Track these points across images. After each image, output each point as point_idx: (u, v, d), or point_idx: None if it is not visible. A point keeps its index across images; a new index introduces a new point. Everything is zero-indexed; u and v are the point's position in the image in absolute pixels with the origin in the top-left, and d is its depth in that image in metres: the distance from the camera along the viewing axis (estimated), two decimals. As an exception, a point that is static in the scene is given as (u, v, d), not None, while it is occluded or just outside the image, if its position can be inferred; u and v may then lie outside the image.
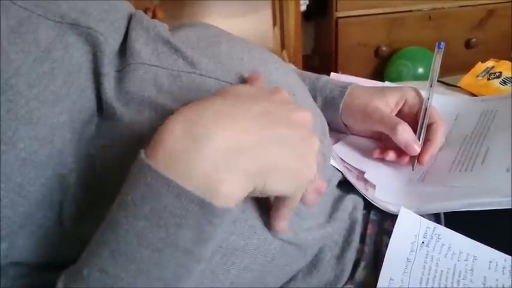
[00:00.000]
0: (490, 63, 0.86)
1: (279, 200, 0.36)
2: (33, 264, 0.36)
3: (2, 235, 0.33)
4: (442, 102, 0.64)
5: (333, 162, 0.53)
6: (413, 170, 0.57)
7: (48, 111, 0.35)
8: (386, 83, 0.80)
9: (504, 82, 0.80)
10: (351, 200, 0.52)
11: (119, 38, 0.43)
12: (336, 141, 0.62)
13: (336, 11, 1.49)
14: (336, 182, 0.53)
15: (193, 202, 0.28)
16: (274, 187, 0.32)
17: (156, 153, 0.29)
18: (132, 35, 0.43)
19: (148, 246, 0.28)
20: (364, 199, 0.53)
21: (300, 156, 0.33)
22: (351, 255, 0.48)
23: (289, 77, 0.49)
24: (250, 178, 0.30)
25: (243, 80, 0.44)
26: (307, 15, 1.76)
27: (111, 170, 0.36)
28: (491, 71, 0.84)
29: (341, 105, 0.59)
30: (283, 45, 1.84)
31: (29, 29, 0.38)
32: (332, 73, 0.79)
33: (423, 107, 0.58)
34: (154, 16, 1.59)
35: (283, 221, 0.39)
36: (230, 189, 0.29)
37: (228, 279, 0.38)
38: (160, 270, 0.29)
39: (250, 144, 0.30)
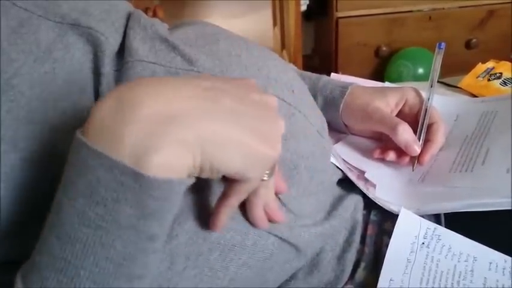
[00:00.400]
0: (490, 64, 0.86)
1: (233, 183, 0.33)
2: None
3: (2, 235, 0.33)
4: (442, 103, 0.64)
5: (333, 160, 0.53)
6: (413, 170, 0.57)
7: (49, 111, 0.35)
8: (387, 84, 0.80)
9: (504, 83, 0.80)
10: (352, 199, 0.52)
11: (118, 38, 0.43)
12: (336, 141, 0.62)
13: (336, 11, 1.49)
14: (336, 180, 0.53)
15: (126, 174, 0.26)
16: (225, 164, 0.29)
17: (88, 128, 0.27)
18: (129, 33, 0.43)
19: (90, 225, 0.27)
20: (364, 199, 0.54)
21: (259, 134, 0.30)
22: (351, 256, 0.48)
23: (288, 74, 0.49)
24: (187, 148, 0.27)
25: None
26: (307, 15, 1.76)
27: None
28: (491, 72, 0.84)
29: (341, 105, 0.59)
30: (283, 45, 1.84)
31: (29, 30, 0.38)
32: (332, 73, 0.79)
33: (423, 107, 0.58)
34: (154, 16, 1.59)
35: (224, 215, 0.35)
36: (163, 159, 0.26)
37: (227, 276, 0.38)
38: (107, 250, 0.27)
39: (187, 112, 0.28)
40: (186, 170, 0.28)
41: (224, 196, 0.35)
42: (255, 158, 0.30)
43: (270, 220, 0.39)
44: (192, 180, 0.29)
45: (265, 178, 0.34)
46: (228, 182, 0.33)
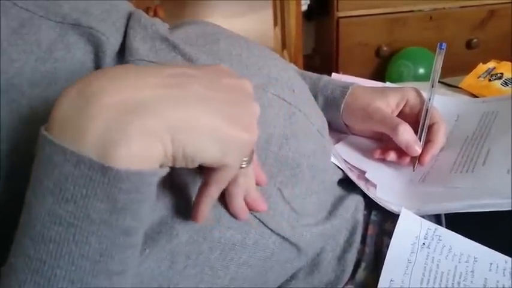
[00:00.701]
0: (491, 65, 0.86)
1: (212, 172, 0.32)
2: None
3: (2, 235, 0.33)
4: (443, 103, 0.64)
5: (333, 160, 0.53)
6: (414, 170, 0.57)
7: (51, 111, 0.35)
8: (388, 84, 0.80)
9: (505, 83, 0.80)
10: (353, 200, 0.52)
11: (119, 38, 0.43)
12: (337, 141, 0.62)
13: (337, 10, 1.49)
14: (337, 179, 0.53)
15: (93, 168, 0.25)
16: (199, 152, 0.28)
17: (51, 122, 0.27)
18: (130, 33, 0.43)
19: (62, 223, 0.26)
20: (365, 200, 0.54)
21: (232, 118, 0.29)
22: (352, 256, 0.48)
23: (289, 73, 0.49)
24: (156, 138, 0.26)
25: None
26: (308, 15, 1.76)
27: None
28: (492, 72, 0.84)
29: (342, 105, 0.59)
30: (284, 45, 1.84)
31: (30, 30, 0.38)
32: (333, 73, 0.79)
33: (424, 107, 0.58)
34: (155, 15, 1.59)
35: (204, 206, 0.34)
36: (131, 150, 0.26)
37: (227, 275, 0.38)
38: (82, 247, 0.26)
39: (153, 100, 0.27)
40: (156, 160, 0.27)
41: (203, 186, 0.33)
42: (230, 143, 0.29)
43: (252, 210, 0.38)
44: (165, 171, 0.28)
45: (243, 166, 0.34)
46: (206, 171, 0.32)
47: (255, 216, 0.40)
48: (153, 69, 0.30)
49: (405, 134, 0.55)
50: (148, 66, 0.30)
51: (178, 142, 0.27)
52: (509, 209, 0.46)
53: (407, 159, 0.57)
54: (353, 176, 0.54)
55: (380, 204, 0.52)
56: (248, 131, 0.30)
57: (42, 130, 0.27)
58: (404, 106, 0.60)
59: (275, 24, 2.01)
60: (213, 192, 0.33)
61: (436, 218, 0.52)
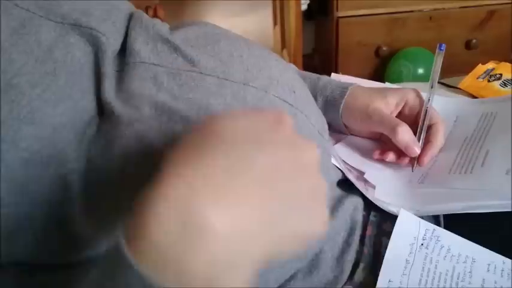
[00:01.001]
0: (490, 65, 0.86)
1: None
2: (31, 264, 0.36)
3: (2, 235, 0.33)
4: (442, 104, 0.64)
5: (332, 161, 0.53)
6: (413, 171, 0.57)
7: (51, 111, 0.36)
8: (387, 84, 0.80)
9: (504, 84, 0.80)
10: (351, 200, 0.52)
11: (119, 38, 0.43)
12: (336, 141, 0.63)
13: (337, 10, 1.49)
14: (336, 180, 0.54)
15: None
16: (276, 257, 0.27)
17: (142, 247, 0.24)
18: (131, 34, 0.43)
19: None
20: (364, 200, 0.54)
21: (310, 211, 0.29)
22: (350, 257, 0.48)
23: (289, 73, 0.49)
24: (257, 265, 0.26)
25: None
26: (308, 15, 1.76)
27: (112, 170, 0.36)
28: (491, 73, 0.84)
29: (341, 105, 0.59)
30: (283, 45, 1.84)
31: (30, 30, 0.38)
32: (333, 73, 0.79)
33: (423, 108, 0.58)
34: (155, 15, 1.59)
35: None
36: (230, 283, 0.25)
37: None
38: None
39: (256, 227, 0.25)
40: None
41: None
42: (305, 241, 0.29)
43: None
44: None
45: None
46: None
47: None
48: (242, 164, 0.27)
49: (404, 135, 0.55)
50: (238, 152, 0.27)
51: (264, 263, 0.27)
52: (508, 209, 0.46)
53: (406, 160, 0.57)
54: (352, 177, 0.55)
55: (378, 205, 0.52)
56: (322, 218, 0.30)
57: (128, 253, 0.24)
58: (403, 107, 0.60)
59: (275, 23, 2.00)
60: None
61: (435, 219, 0.52)
